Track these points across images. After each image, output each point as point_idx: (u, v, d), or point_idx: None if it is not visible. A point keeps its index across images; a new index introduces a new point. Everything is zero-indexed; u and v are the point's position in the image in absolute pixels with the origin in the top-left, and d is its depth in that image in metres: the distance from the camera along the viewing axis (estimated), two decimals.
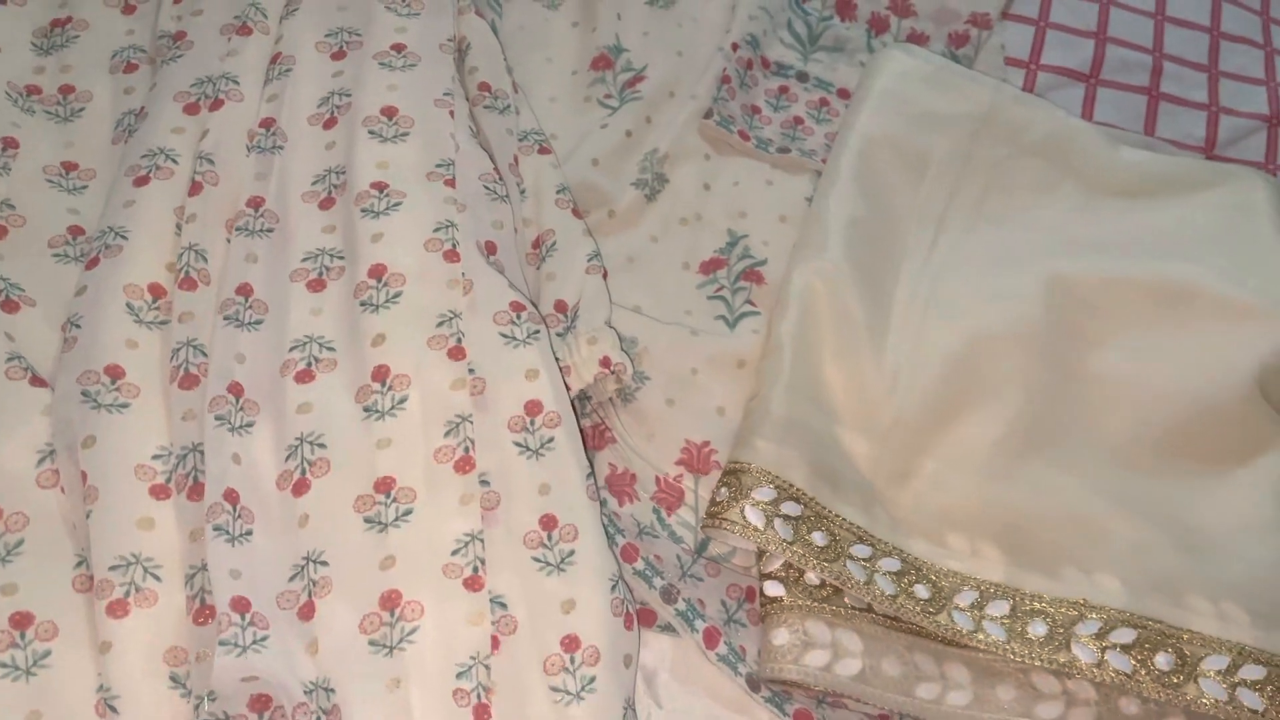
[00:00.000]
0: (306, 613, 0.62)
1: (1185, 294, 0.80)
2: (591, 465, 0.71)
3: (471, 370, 0.69)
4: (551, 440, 0.69)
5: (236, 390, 0.67)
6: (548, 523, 0.67)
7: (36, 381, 0.67)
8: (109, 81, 0.81)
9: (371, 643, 0.62)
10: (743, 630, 0.72)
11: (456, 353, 0.69)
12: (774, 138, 0.92)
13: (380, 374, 0.68)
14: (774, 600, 0.69)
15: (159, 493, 0.63)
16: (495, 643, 0.63)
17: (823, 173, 0.87)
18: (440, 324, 0.70)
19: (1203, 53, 1.04)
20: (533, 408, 0.70)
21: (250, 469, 0.66)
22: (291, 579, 0.63)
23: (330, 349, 0.70)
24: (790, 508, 0.70)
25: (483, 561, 0.64)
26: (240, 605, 0.60)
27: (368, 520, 0.65)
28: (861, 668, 0.68)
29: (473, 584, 0.64)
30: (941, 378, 0.77)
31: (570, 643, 0.64)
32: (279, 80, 0.79)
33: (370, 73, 0.79)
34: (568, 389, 0.72)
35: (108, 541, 0.61)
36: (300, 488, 0.65)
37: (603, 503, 0.72)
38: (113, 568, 0.60)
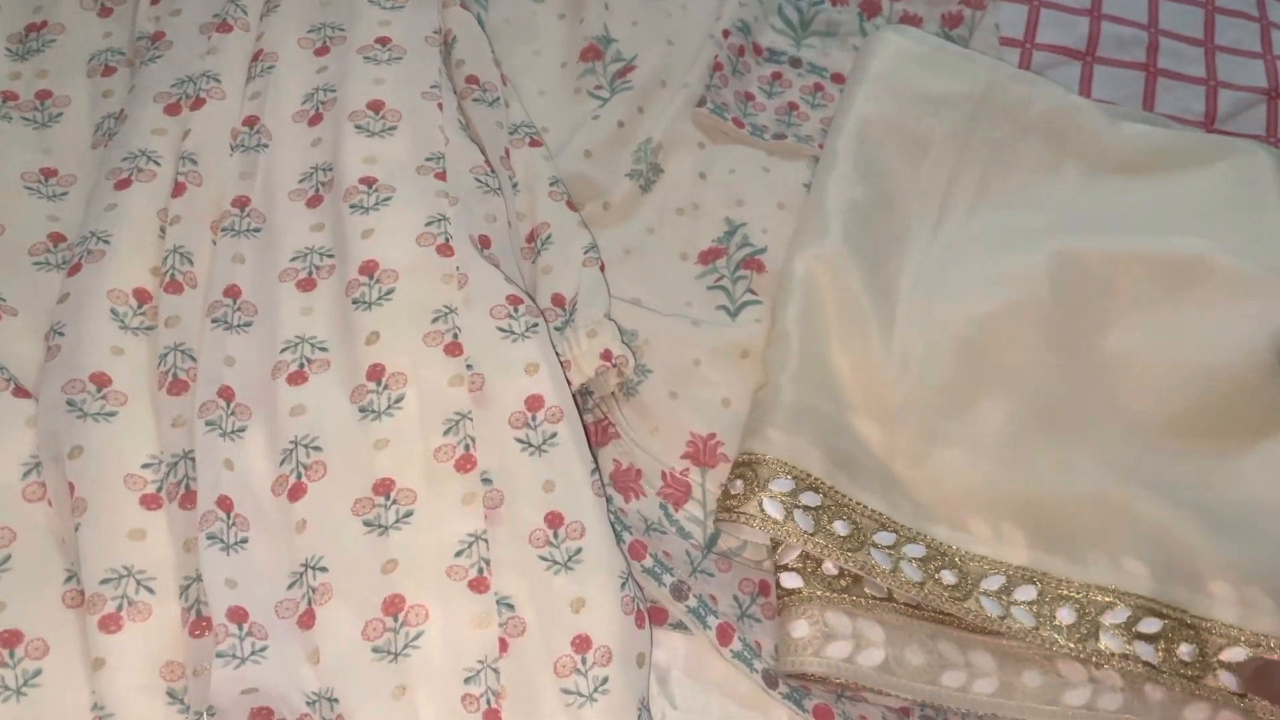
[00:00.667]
0: (306, 621, 0.60)
1: (1195, 269, 0.79)
2: (596, 460, 0.69)
3: (469, 366, 0.68)
4: (554, 436, 0.67)
5: (227, 394, 0.66)
6: (553, 520, 0.65)
7: (20, 392, 0.65)
8: (87, 85, 0.79)
9: (375, 650, 0.60)
10: (757, 625, 0.70)
11: (453, 349, 0.68)
12: (769, 124, 0.91)
13: (375, 373, 0.67)
14: (792, 592, 0.68)
15: (150, 502, 0.62)
16: (503, 645, 0.62)
17: (820, 158, 0.86)
18: (436, 320, 0.69)
19: (1198, 27, 1.03)
20: (534, 403, 0.68)
21: (243, 475, 0.64)
22: (290, 587, 0.62)
23: (323, 349, 0.68)
24: (809, 498, 0.68)
25: (488, 562, 0.63)
26: (237, 615, 0.59)
27: (367, 523, 0.63)
28: (885, 658, 0.67)
29: (478, 585, 0.62)
30: (952, 361, 0.76)
31: (581, 643, 0.62)
32: (262, 78, 0.78)
33: (355, 67, 0.78)
34: (569, 383, 0.71)
35: (98, 554, 0.59)
36: (296, 492, 0.64)
37: (608, 499, 0.70)
38: (104, 581, 0.59)
